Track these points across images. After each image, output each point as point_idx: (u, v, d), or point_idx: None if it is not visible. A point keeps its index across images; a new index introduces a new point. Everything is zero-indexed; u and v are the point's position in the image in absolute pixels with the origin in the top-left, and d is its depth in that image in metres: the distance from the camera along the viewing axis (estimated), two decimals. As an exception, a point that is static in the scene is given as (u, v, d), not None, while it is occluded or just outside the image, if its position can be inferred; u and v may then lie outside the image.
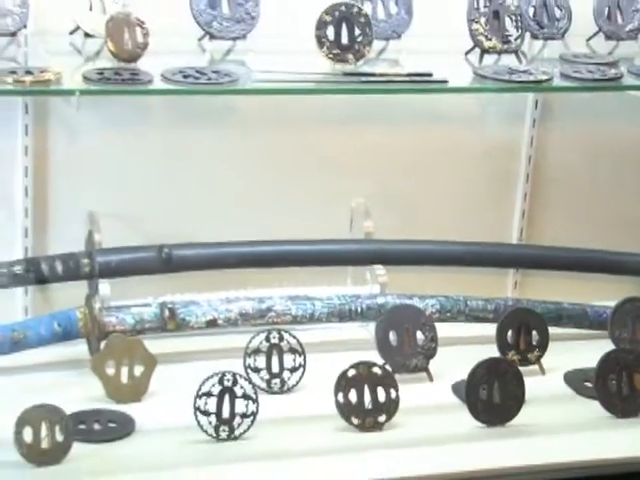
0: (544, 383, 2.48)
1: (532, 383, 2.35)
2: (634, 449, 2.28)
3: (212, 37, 2.41)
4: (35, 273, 2.45)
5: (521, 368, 2.36)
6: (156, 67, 2.27)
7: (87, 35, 2.35)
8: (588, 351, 2.49)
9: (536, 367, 2.52)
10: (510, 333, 2.52)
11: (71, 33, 2.37)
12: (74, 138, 2.52)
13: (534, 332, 2.53)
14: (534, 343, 2.53)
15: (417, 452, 2.22)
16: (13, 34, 2.34)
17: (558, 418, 2.37)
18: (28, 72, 2.18)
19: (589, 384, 2.44)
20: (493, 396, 2.30)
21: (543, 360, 2.54)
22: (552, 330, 2.56)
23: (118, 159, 2.58)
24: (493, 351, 2.46)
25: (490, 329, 2.54)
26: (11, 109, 2.50)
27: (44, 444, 2.10)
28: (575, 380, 2.51)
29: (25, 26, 2.35)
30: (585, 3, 2.64)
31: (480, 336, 2.57)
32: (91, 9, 2.36)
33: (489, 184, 2.85)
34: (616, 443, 2.30)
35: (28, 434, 2.09)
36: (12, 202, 2.56)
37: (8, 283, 2.44)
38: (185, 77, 2.25)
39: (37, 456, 2.10)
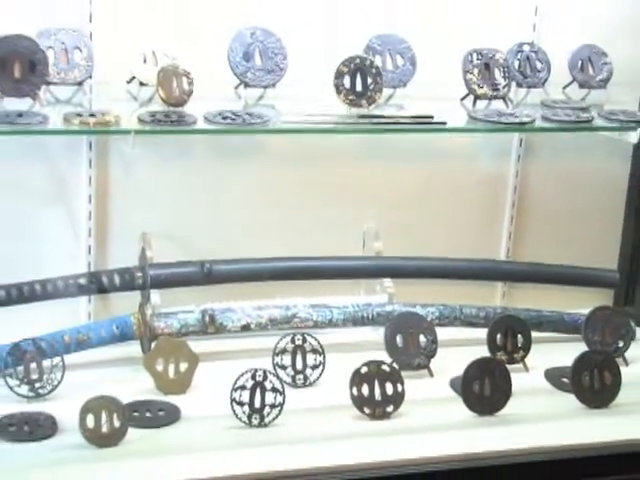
0: (527, 379, 2.47)
1: (517, 379, 2.35)
2: (603, 435, 2.28)
3: (246, 85, 2.42)
4: (97, 284, 2.47)
5: (508, 366, 2.36)
6: (199, 110, 2.29)
7: (141, 84, 2.36)
8: (565, 352, 2.49)
9: (521, 365, 2.52)
10: (499, 336, 2.52)
11: (128, 82, 2.39)
12: (130, 170, 2.53)
13: (519, 336, 2.53)
14: (519, 345, 2.53)
15: (420, 437, 2.22)
16: (80, 83, 2.36)
17: (539, 409, 2.37)
18: (92, 115, 2.22)
19: (566, 380, 2.44)
20: (484, 390, 2.30)
21: (527, 359, 2.53)
22: (534, 334, 2.56)
23: (167, 188, 2.59)
24: (484, 351, 2.47)
25: (482, 333, 2.54)
26: (77, 146, 2.50)
27: (104, 429, 2.11)
28: (554, 376, 2.51)
29: (90, 77, 2.37)
30: (561, 57, 2.65)
31: (473, 339, 2.58)
32: (145, 62, 2.37)
33: (481, 210, 2.85)
34: (588, 430, 2.30)
35: (90, 420, 2.10)
36: (78, 224, 2.56)
37: (74, 293, 2.45)
38: (224, 119, 2.28)
39: (98, 439, 2.11)
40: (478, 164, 2.81)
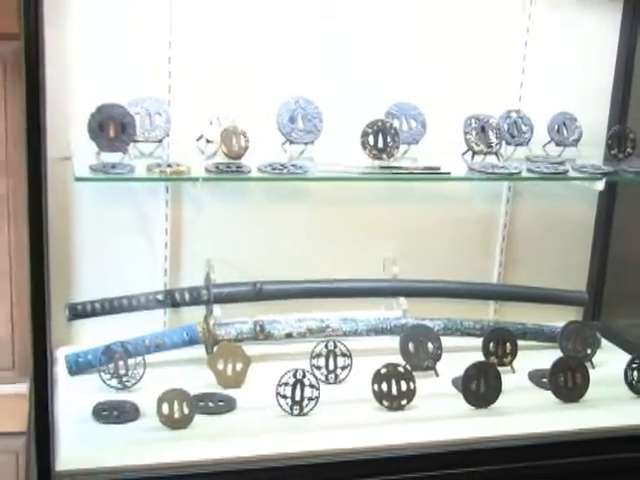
0: (514, 379, 2.47)
1: (506, 379, 2.35)
2: (575, 424, 2.29)
3: (291, 142, 2.43)
4: (171, 300, 2.48)
5: (499, 368, 2.35)
6: (253, 162, 2.30)
7: (208, 141, 2.37)
8: (544, 357, 2.48)
9: (509, 368, 2.51)
10: (491, 344, 2.51)
11: (197, 140, 2.39)
12: (198, 209, 2.54)
13: (508, 344, 2.52)
14: (508, 351, 2.52)
15: (428, 425, 2.23)
16: (160, 141, 2.39)
17: (523, 403, 2.37)
18: (169, 165, 2.24)
19: (545, 380, 2.43)
20: (480, 387, 2.30)
21: (514, 363, 2.53)
22: (520, 342, 2.55)
23: (227, 223, 2.59)
24: (480, 356, 2.46)
25: (477, 342, 2.54)
26: (157, 190, 2.53)
27: (176, 415, 2.13)
28: (535, 377, 2.50)
29: (168, 135, 2.40)
30: (542, 121, 2.64)
31: (471, 346, 2.57)
32: (211, 124, 2.37)
33: (477, 242, 2.84)
34: (563, 420, 2.31)
35: (165, 408, 2.13)
36: (156, 252, 2.57)
37: (153, 306, 2.47)
38: (273, 169, 2.29)
39: (171, 423, 2.13)
40: (475, 205, 2.80)
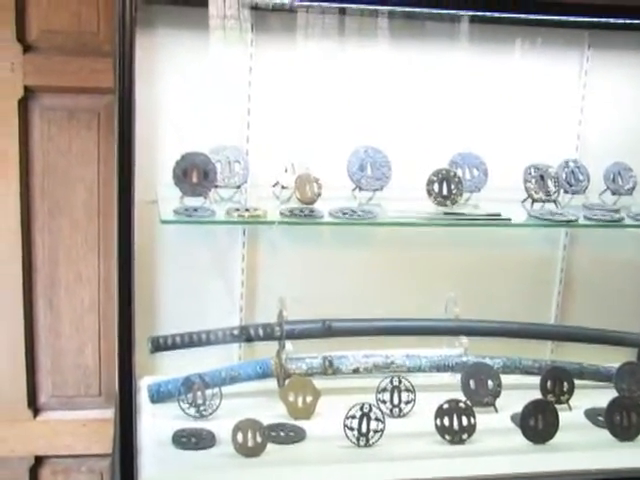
0: (571, 417, 2.43)
1: (563, 416, 2.32)
2: (630, 462, 2.24)
3: (360, 189, 2.43)
4: (245, 335, 2.48)
5: (556, 406, 2.33)
6: (325, 207, 2.32)
7: (283, 187, 2.39)
8: (600, 396, 2.45)
9: (566, 406, 2.48)
10: (549, 383, 2.48)
11: (273, 186, 2.41)
12: (273, 251, 2.55)
13: (565, 383, 2.49)
14: (565, 390, 2.49)
15: (488, 459, 2.21)
16: (238, 187, 2.41)
17: (580, 440, 2.33)
18: (246, 210, 2.27)
19: (601, 418, 2.40)
20: (538, 424, 2.28)
21: (571, 401, 2.49)
22: (577, 381, 2.52)
23: (299, 264, 2.60)
24: (538, 394, 2.44)
25: (535, 380, 2.51)
26: (235, 232, 2.54)
27: (249, 443, 2.14)
28: (592, 415, 2.46)
29: (246, 181, 2.42)
30: (598, 171, 2.62)
31: (529, 384, 2.53)
32: (286, 171, 2.39)
33: (536, 284, 2.81)
34: (618, 458, 2.26)
35: (240, 436, 2.14)
36: (233, 290, 2.59)
37: (229, 340, 2.48)
38: (344, 214, 2.30)
39: (245, 451, 2.14)
40: (534, 250, 2.77)
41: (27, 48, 2.45)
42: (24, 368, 2.62)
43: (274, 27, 2.45)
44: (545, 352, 2.83)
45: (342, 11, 2.42)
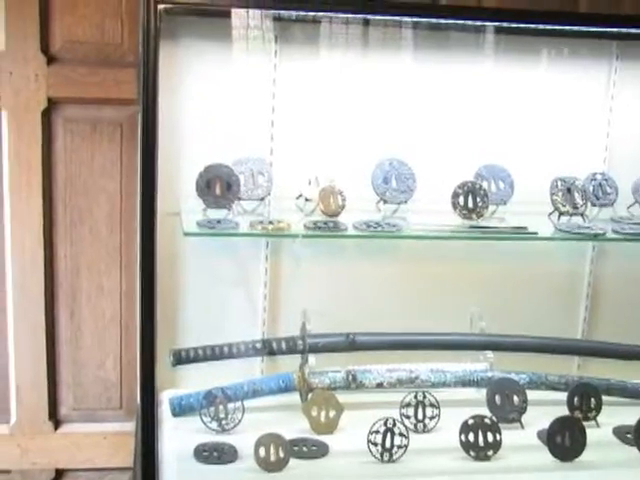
0: (599, 434, 2.41)
1: (591, 433, 2.30)
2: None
3: (385, 202, 2.44)
4: (268, 348, 2.49)
5: (583, 423, 2.31)
6: (349, 220, 2.33)
7: (307, 200, 2.40)
8: (628, 413, 2.43)
9: (593, 422, 2.46)
10: (576, 399, 2.46)
11: (297, 198, 2.43)
12: (296, 263, 2.54)
13: (592, 399, 2.47)
14: (592, 406, 2.47)
15: (514, 476, 2.20)
16: (262, 199, 2.41)
17: (608, 458, 2.31)
18: (270, 222, 2.29)
19: (629, 435, 2.38)
20: (565, 441, 2.26)
21: (598, 418, 2.47)
22: (604, 398, 2.50)
23: (323, 277, 2.60)
24: (564, 411, 2.42)
25: (562, 396, 2.49)
26: (258, 245, 2.55)
27: (272, 458, 2.14)
28: (620, 432, 2.44)
29: (269, 194, 2.42)
30: (626, 183, 2.61)
31: (556, 400, 2.51)
32: (310, 183, 2.40)
33: (562, 299, 2.79)
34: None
35: (262, 451, 2.14)
36: (256, 303, 2.59)
37: (252, 354, 2.48)
38: (368, 227, 2.32)
39: (267, 466, 2.14)
40: (561, 264, 2.75)
41: (51, 59, 2.49)
42: (45, 380, 2.65)
43: (298, 38, 2.46)
44: (572, 368, 2.81)
45: (366, 22, 2.42)
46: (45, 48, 2.48)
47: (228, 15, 2.23)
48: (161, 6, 2.01)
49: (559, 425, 2.27)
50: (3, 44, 2.45)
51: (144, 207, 2.06)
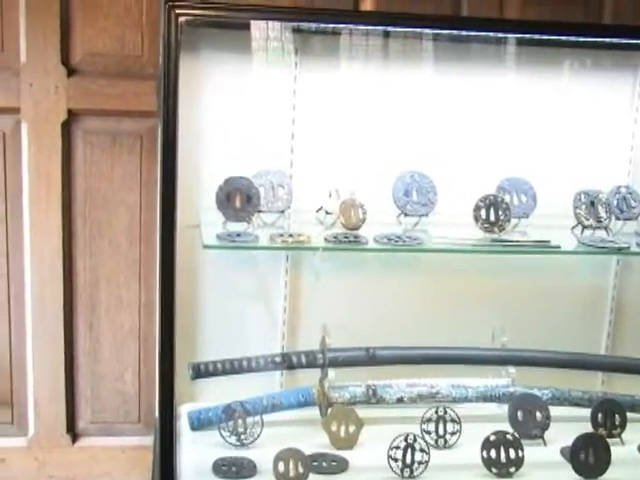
0: (623, 451, 2.40)
1: (615, 450, 2.29)
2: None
3: (406, 215, 2.44)
4: (288, 362, 2.49)
5: (608, 440, 2.30)
6: (370, 233, 2.33)
7: (327, 213, 2.40)
8: (654, 430, 2.43)
9: (618, 440, 2.44)
10: (600, 415, 2.45)
11: (317, 211, 2.43)
12: (316, 277, 2.52)
13: (617, 415, 2.46)
14: (616, 423, 2.45)
15: (536, 493, 2.20)
16: (282, 212, 2.42)
17: (633, 475, 2.31)
18: (290, 235, 2.30)
19: (655, 453, 2.38)
20: (589, 458, 2.25)
21: (623, 435, 2.46)
22: (629, 414, 2.48)
23: (343, 290, 2.59)
24: (588, 427, 2.41)
25: (586, 412, 2.48)
26: (278, 258, 2.56)
27: (291, 473, 2.15)
28: (645, 450, 2.44)
29: (289, 206, 2.43)
30: (653, 196, 2.61)
31: (579, 416, 2.50)
32: (330, 196, 2.40)
33: (586, 313, 2.77)
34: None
35: (281, 466, 2.14)
36: (275, 317, 2.60)
37: (271, 368, 2.48)
38: (389, 240, 2.32)
39: (287, 481, 2.14)
40: (584, 278, 2.74)
41: (71, 71, 2.52)
42: (63, 393, 2.67)
43: (318, 50, 2.47)
44: (596, 383, 2.80)
45: (386, 34, 2.43)
46: (65, 60, 2.51)
47: (248, 27, 2.26)
48: (182, 18, 2.03)
49: (583, 442, 2.26)
50: (24, 55, 2.48)
51: (164, 219, 2.07)
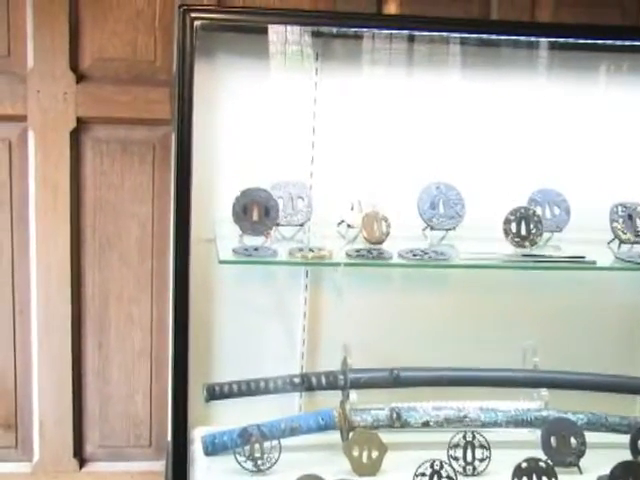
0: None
1: (656, 480, 2.24)
2: None
3: (432, 228, 2.42)
4: (307, 383, 2.46)
5: (648, 468, 2.25)
6: (394, 248, 2.30)
7: (349, 226, 2.38)
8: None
9: (658, 468, 2.38)
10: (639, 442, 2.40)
11: (338, 224, 2.41)
12: (338, 293, 2.48)
13: (657, 442, 2.41)
14: (657, 450, 2.41)
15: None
16: (301, 225, 2.40)
17: (675, 506, 2.25)
18: (310, 250, 2.27)
19: (697, 482, 2.31)
20: (628, 488, 2.20)
21: (663, 463, 2.40)
22: (670, 441, 2.43)
23: (365, 308, 2.56)
24: (627, 455, 2.36)
25: (624, 439, 2.43)
26: (297, 273, 2.53)
27: (311, 500, 2.11)
28: (686, 479, 2.38)
29: (309, 219, 2.40)
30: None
31: (617, 443, 2.45)
32: (352, 209, 2.38)
33: (622, 333, 2.72)
34: None
35: (302, 493, 2.11)
36: (294, 335, 2.57)
37: (289, 389, 2.45)
38: (414, 255, 2.29)
39: (307, 508, 2.10)
40: (621, 295, 2.68)
41: (80, 77, 2.49)
42: (70, 416, 2.64)
43: (339, 55, 2.44)
44: (634, 408, 2.74)
45: (411, 37, 2.39)
46: (74, 65, 2.48)
47: (266, 31, 2.23)
48: (197, 22, 2.01)
49: (621, 470, 2.22)
50: (31, 61, 2.45)
51: (178, 232, 2.06)
